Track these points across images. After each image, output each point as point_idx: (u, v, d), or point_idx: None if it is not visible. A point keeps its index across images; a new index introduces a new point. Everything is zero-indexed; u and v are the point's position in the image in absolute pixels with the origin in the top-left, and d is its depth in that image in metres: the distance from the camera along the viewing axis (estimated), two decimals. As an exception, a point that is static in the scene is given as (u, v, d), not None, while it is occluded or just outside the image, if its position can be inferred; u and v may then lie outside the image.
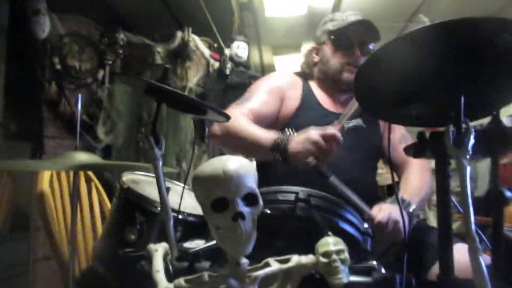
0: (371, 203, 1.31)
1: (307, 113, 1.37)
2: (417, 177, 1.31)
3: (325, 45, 1.40)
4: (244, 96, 1.37)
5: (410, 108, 0.72)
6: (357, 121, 1.34)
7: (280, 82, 1.41)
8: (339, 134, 1.04)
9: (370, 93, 0.74)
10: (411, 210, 1.13)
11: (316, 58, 1.43)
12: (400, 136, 1.41)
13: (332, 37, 1.37)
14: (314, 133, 1.04)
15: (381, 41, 1.31)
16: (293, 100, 1.37)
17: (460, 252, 0.71)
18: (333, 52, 1.37)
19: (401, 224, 1.02)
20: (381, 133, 1.43)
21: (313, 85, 1.44)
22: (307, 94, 1.41)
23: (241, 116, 1.23)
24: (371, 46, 1.36)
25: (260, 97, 1.33)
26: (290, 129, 1.14)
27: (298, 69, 1.52)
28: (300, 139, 1.06)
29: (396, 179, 1.33)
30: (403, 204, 1.13)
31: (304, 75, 1.47)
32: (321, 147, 1.02)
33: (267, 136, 1.13)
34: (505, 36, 0.56)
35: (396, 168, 1.39)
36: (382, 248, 1.05)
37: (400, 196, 1.16)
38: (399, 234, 1.04)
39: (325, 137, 1.03)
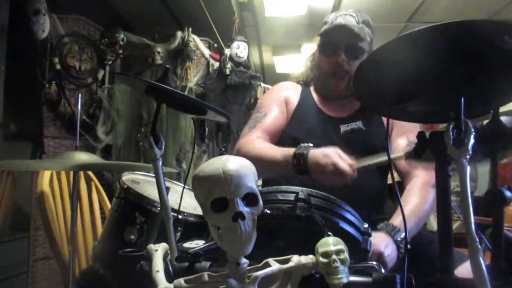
0: (379, 209, 1.30)
1: (303, 117, 1.37)
2: (414, 199, 1.20)
3: (317, 49, 1.39)
4: (253, 116, 1.41)
5: (409, 105, 0.72)
6: (356, 124, 1.33)
7: (281, 92, 1.44)
8: (352, 172, 1.02)
9: (370, 90, 0.74)
10: (399, 238, 1.05)
11: (314, 62, 1.43)
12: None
13: (320, 42, 1.35)
14: (333, 152, 1.03)
15: (381, 41, 1.29)
16: (291, 105, 1.40)
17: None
18: (320, 58, 1.35)
19: (386, 254, 0.99)
20: (391, 143, 1.34)
21: (313, 90, 1.45)
22: (305, 98, 1.41)
23: (253, 140, 1.28)
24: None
25: (269, 113, 1.37)
26: (307, 144, 1.13)
27: (299, 71, 1.52)
28: (320, 154, 1.05)
29: (397, 178, 1.31)
30: (392, 231, 1.06)
31: (305, 81, 1.47)
32: (337, 170, 1.00)
33: (284, 151, 1.13)
34: (506, 39, 0.56)
35: (401, 177, 1.33)
36: None
37: (390, 223, 1.09)
38: (384, 265, 0.98)
39: (339, 165, 1.01)
